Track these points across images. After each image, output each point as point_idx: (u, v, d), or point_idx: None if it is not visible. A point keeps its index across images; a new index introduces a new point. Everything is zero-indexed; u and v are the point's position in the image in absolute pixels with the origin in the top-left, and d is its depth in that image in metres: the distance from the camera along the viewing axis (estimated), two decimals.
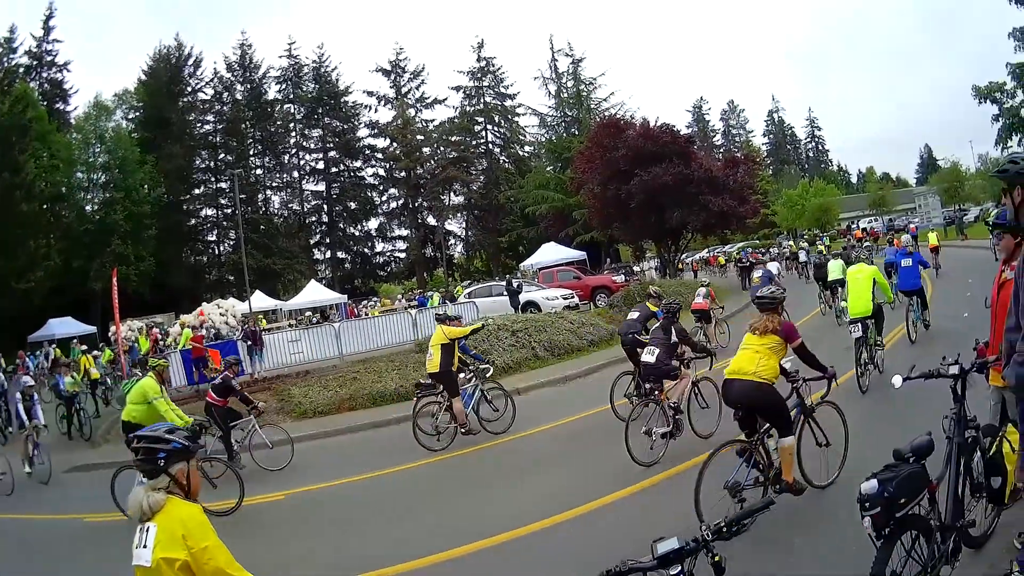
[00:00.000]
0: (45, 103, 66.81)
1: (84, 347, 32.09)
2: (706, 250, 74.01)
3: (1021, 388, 4.43)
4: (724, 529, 3.32)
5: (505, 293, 32.56)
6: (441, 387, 13.79)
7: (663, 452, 10.49)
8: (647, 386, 11.46)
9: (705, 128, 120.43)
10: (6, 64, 66.52)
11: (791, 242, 59.16)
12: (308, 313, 54.20)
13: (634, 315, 14.91)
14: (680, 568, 3.17)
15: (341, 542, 9.50)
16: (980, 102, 25.44)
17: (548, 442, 13.22)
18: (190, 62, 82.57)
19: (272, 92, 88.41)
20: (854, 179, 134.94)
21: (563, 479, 10.70)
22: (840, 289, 16.83)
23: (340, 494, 11.83)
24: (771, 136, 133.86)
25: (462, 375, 14.57)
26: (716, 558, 3.29)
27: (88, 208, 68.40)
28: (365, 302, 58.56)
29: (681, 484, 8.71)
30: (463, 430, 13.81)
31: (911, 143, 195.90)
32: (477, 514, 9.62)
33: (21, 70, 68.82)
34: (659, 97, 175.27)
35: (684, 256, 56.65)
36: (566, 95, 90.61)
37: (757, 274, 24.67)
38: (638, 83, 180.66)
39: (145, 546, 3.82)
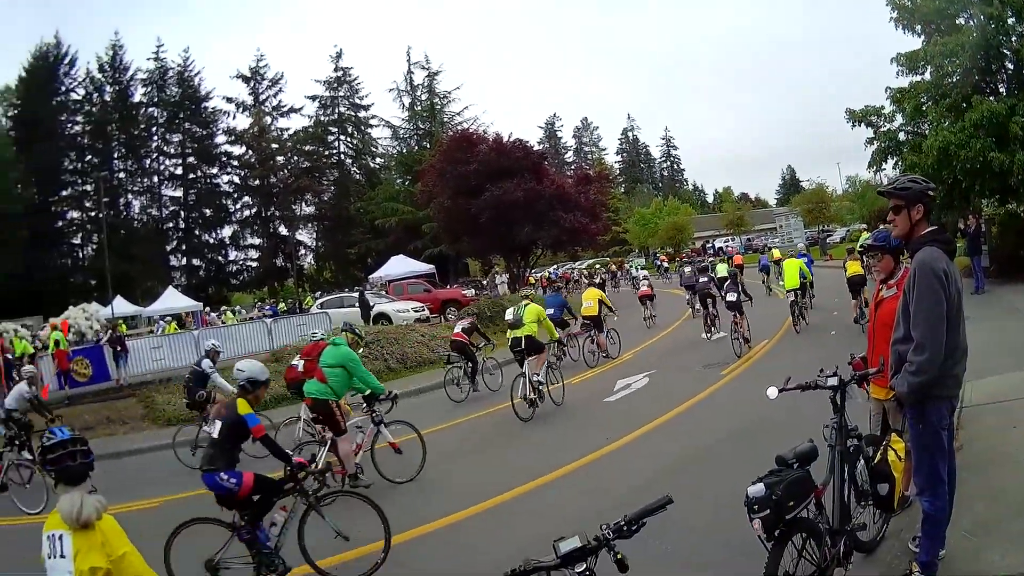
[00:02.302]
0: None
1: None
2: (555, 266, 74.71)
3: (912, 395, 4.75)
4: (624, 527, 3.30)
5: (357, 304, 32.39)
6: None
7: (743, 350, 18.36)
8: (733, 314, 19.04)
9: (557, 145, 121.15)
10: None
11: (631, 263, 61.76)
12: (167, 319, 52.17)
13: (704, 279, 22.93)
14: (584, 566, 3.18)
15: None
16: (854, 125, 26.16)
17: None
18: (66, 60, 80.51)
19: (138, 95, 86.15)
20: (711, 199, 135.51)
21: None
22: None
23: None
24: (624, 154, 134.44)
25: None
26: (618, 555, 3.22)
27: None
28: (217, 313, 56.64)
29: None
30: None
31: (773, 165, 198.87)
32: None
33: None
34: (513, 113, 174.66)
35: (534, 271, 56.89)
36: (420, 108, 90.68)
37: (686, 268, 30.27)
38: (492, 98, 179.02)
39: (62, 555, 3.72)
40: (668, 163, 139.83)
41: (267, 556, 7.35)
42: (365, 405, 11.44)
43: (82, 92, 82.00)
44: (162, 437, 16.79)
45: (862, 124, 26.15)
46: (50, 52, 79.39)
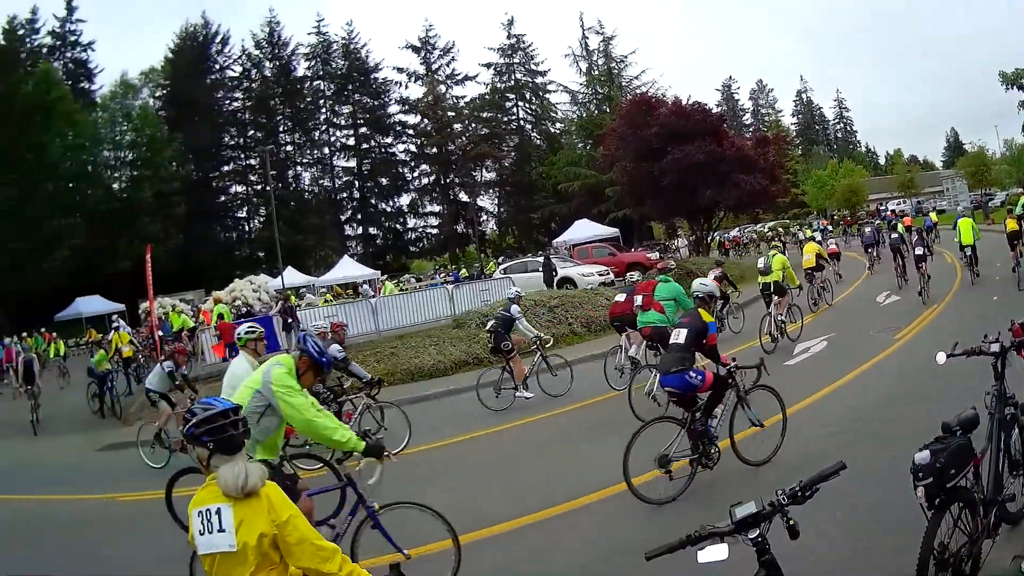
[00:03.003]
0: (69, 83, 67.09)
1: (117, 325, 31.96)
2: (736, 229, 73.90)
3: None
4: (799, 493, 3.38)
5: (540, 269, 32.25)
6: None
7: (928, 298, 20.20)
8: (921, 265, 20.90)
9: (734, 107, 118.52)
10: (29, 44, 66.78)
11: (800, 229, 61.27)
12: (322, 290, 52.15)
13: (895, 235, 25.46)
14: (757, 532, 3.28)
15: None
16: (1007, 88, 25.48)
17: None
18: (217, 39, 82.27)
19: (301, 69, 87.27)
20: (882, 161, 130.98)
21: None
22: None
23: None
24: (800, 116, 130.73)
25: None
26: (791, 522, 3.35)
27: (115, 186, 68.38)
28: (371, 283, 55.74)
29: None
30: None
31: (937, 126, 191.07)
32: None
33: (44, 50, 69.08)
34: (688, 75, 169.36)
35: (717, 234, 56.60)
36: (597, 73, 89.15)
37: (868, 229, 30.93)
38: (667, 61, 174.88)
39: (222, 530, 3.67)
40: (841, 125, 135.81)
41: (708, 446, 8.52)
42: None
43: (239, 69, 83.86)
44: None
45: (1014, 87, 25.34)
46: (198, 32, 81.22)
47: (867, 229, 36.07)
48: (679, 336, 8.90)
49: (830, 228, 61.07)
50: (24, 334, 40.32)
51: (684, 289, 13.61)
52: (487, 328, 16.46)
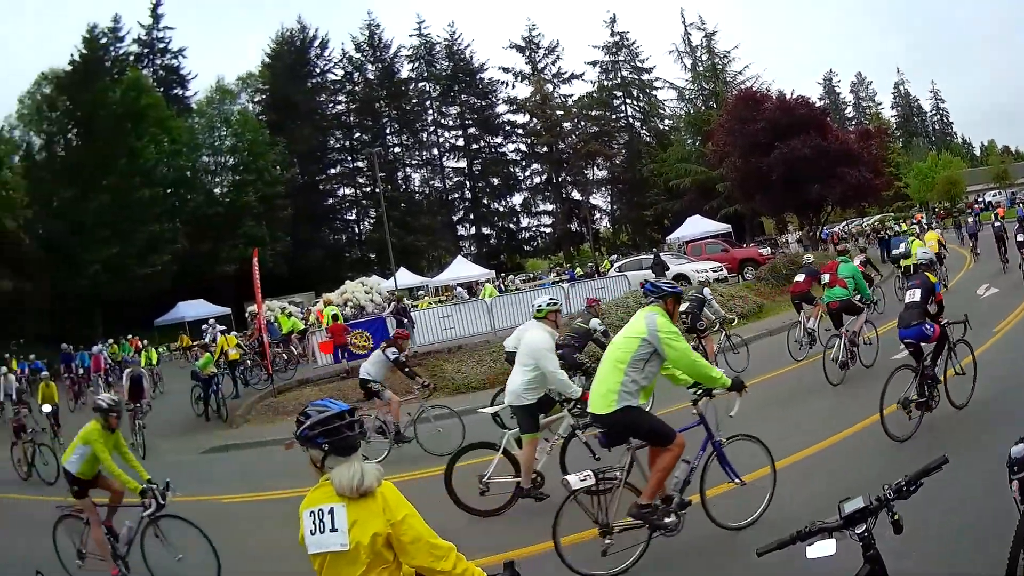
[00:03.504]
0: (161, 89, 67.93)
1: (223, 328, 31.99)
2: (843, 223, 71.68)
3: None
4: (904, 488, 3.43)
5: (652, 267, 31.74)
6: None
7: None
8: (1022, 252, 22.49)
9: (836, 101, 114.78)
10: (113, 52, 67.67)
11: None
12: (421, 293, 51.78)
13: (997, 224, 27.69)
14: (864, 527, 3.33)
15: None
16: None
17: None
18: (316, 43, 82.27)
19: (405, 71, 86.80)
20: (977, 152, 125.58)
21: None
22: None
23: None
24: (899, 109, 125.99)
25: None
26: (896, 516, 3.39)
27: (217, 191, 69.12)
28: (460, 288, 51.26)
29: None
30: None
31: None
32: None
33: (131, 58, 69.91)
34: (788, 69, 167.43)
35: (825, 229, 55.72)
36: (701, 68, 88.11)
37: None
38: (767, 55, 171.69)
39: (334, 529, 3.65)
40: (938, 116, 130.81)
41: (932, 389, 9.88)
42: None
43: (340, 72, 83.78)
44: (453, 404, 16.02)
45: None
46: (295, 36, 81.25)
47: (970, 220, 38.39)
48: (914, 295, 10.44)
49: (924, 222, 59.92)
50: (110, 341, 39.42)
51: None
52: (683, 310, 17.22)
